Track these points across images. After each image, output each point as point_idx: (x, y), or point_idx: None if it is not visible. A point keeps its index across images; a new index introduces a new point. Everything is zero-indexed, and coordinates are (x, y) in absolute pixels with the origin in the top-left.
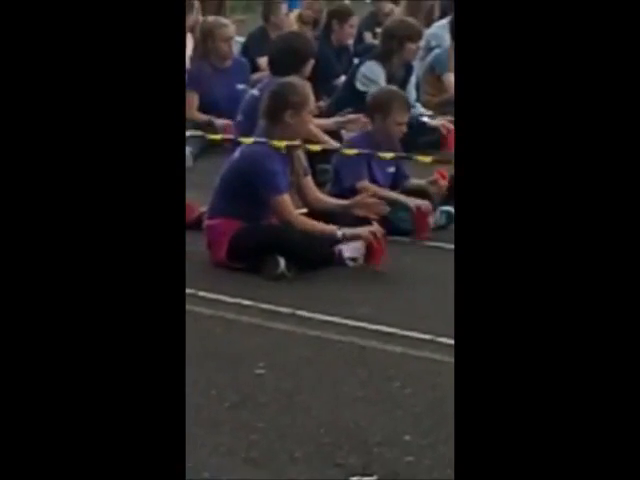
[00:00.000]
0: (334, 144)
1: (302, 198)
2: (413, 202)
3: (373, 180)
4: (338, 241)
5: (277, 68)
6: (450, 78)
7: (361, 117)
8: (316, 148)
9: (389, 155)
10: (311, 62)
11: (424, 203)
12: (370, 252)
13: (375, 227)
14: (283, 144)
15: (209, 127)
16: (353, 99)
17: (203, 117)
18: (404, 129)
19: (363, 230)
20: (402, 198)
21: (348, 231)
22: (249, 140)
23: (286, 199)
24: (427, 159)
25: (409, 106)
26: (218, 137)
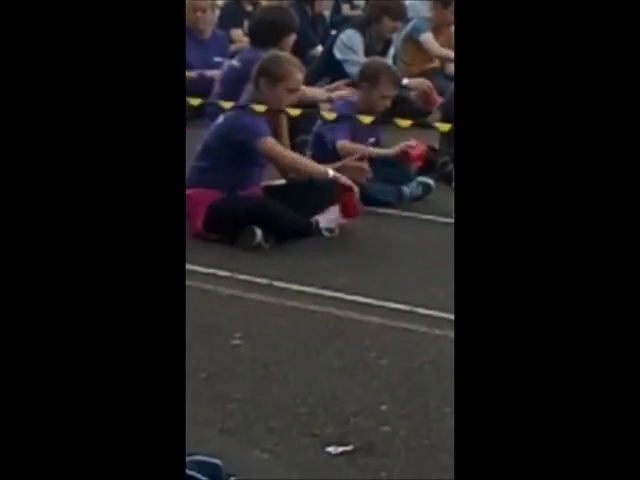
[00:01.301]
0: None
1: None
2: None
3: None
4: (314, 212)
5: (256, 39)
6: (429, 38)
7: (345, 85)
8: (296, 112)
9: (368, 119)
10: (292, 36)
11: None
12: (345, 208)
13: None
14: (264, 109)
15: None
16: (331, 68)
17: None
18: (388, 103)
19: (348, 160)
20: (384, 151)
21: (339, 175)
22: (228, 104)
23: (272, 140)
24: (405, 123)
25: (397, 81)
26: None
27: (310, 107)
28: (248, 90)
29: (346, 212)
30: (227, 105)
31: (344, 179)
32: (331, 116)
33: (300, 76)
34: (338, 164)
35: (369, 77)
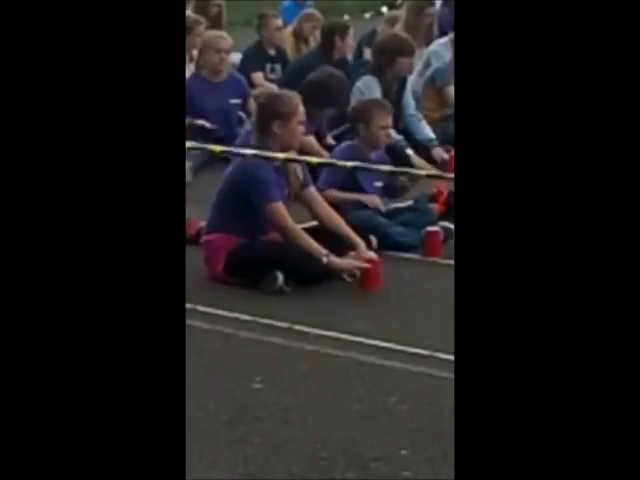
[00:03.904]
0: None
1: (311, 211)
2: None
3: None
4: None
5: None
6: (451, 91)
7: None
8: (313, 160)
9: (385, 168)
10: (332, 111)
11: (436, 230)
12: (363, 275)
13: (361, 259)
14: (281, 156)
15: (204, 136)
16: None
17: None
18: (389, 132)
19: (348, 263)
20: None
21: (334, 260)
22: (249, 152)
23: (280, 206)
24: (422, 172)
25: (390, 110)
26: (218, 148)
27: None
28: (252, 139)
29: (366, 282)
30: (247, 153)
31: (338, 266)
32: (347, 164)
33: (302, 108)
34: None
35: (361, 115)
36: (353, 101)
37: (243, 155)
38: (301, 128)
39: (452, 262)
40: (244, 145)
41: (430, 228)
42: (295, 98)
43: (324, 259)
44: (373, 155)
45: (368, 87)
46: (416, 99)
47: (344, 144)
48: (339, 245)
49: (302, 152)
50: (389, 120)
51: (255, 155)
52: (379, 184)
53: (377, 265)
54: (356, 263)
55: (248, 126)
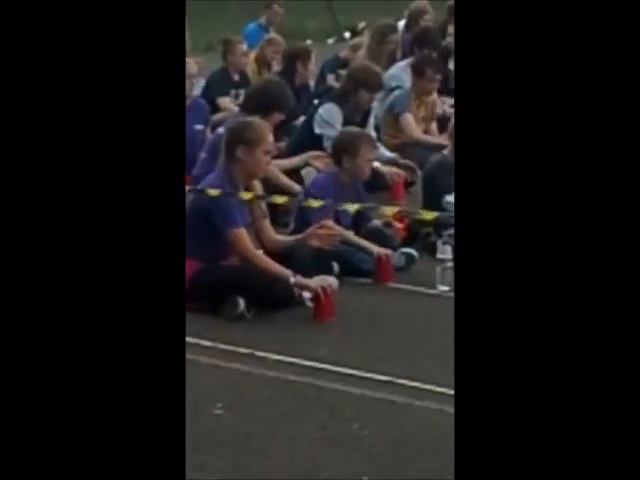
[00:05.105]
0: (294, 186)
1: (259, 240)
2: (376, 249)
3: (336, 221)
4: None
5: (248, 106)
6: (408, 119)
7: (324, 154)
8: (281, 200)
9: (354, 207)
10: (280, 116)
11: (386, 251)
12: (317, 306)
13: (328, 281)
14: (249, 196)
15: None
16: (310, 141)
17: None
18: (372, 165)
19: (314, 283)
20: (365, 244)
21: (301, 280)
22: (215, 192)
23: (243, 232)
24: (390, 211)
25: (375, 143)
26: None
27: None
28: (219, 162)
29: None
30: (214, 193)
31: (306, 285)
32: (317, 204)
33: (271, 138)
34: (305, 233)
35: (348, 148)
36: (316, 128)
37: (204, 192)
38: (267, 158)
39: (413, 288)
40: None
41: (382, 252)
42: (264, 127)
43: (291, 279)
44: (351, 186)
45: (330, 115)
46: (377, 125)
47: (323, 174)
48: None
49: (266, 181)
50: (375, 153)
51: (225, 192)
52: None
53: (332, 293)
54: (323, 283)
55: (204, 154)
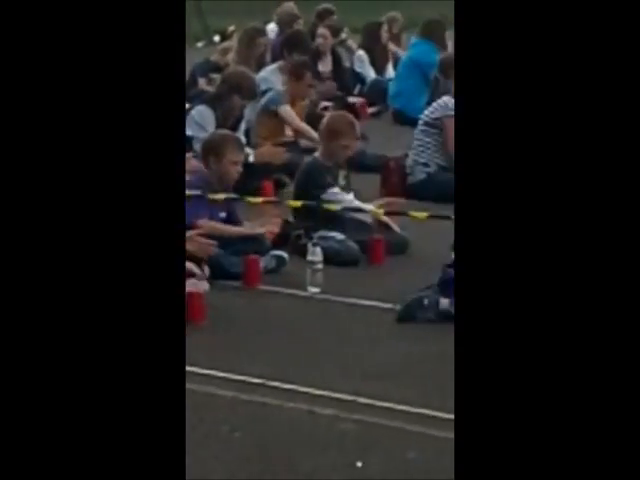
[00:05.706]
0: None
1: None
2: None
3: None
4: None
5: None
6: (288, 111)
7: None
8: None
9: (221, 197)
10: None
11: (254, 257)
12: (188, 310)
13: (198, 285)
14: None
15: None
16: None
17: None
18: (239, 168)
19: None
20: (244, 231)
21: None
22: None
23: None
24: (256, 200)
25: (242, 146)
26: None
27: None
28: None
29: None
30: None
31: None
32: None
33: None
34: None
35: (214, 149)
36: (188, 130)
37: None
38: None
39: (284, 290)
40: None
41: (251, 257)
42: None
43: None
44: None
45: (202, 117)
46: (249, 129)
47: (198, 175)
48: None
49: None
50: (240, 156)
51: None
52: (222, 214)
53: (202, 297)
54: (201, 240)
55: None
